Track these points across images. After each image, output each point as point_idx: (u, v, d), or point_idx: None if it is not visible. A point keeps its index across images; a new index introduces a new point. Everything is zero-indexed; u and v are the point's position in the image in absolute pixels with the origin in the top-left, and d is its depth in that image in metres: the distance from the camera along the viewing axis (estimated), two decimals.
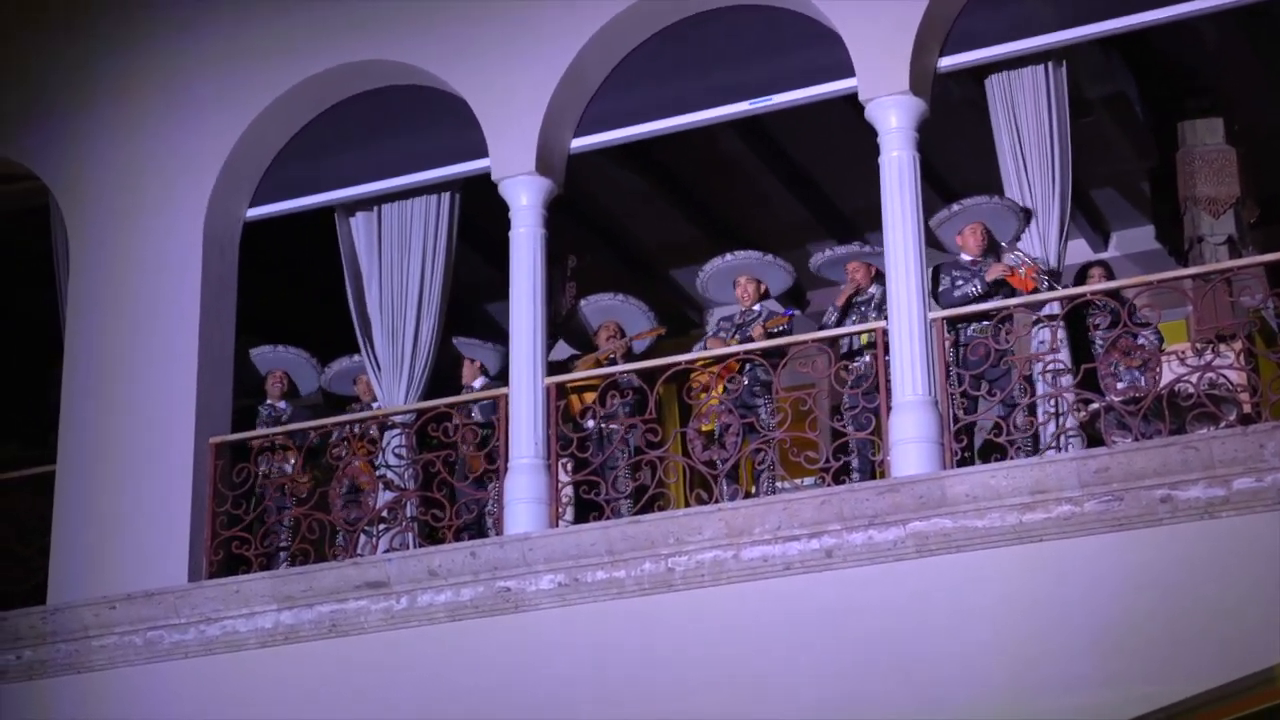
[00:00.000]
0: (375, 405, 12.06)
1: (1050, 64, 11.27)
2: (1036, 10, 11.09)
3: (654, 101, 11.78)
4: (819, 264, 11.77)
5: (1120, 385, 10.31)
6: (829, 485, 10.60)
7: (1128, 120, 13.40)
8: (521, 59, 11.75)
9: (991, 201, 11.06)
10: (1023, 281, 10.86)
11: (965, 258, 11.15)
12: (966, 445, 10.57)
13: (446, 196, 12.27)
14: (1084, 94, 12.80)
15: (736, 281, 11.73)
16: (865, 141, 11.39)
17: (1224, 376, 10.24)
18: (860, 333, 10.99)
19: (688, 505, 11.07)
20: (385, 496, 11.57)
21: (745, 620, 10.34)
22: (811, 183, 13.95)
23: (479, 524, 11.61)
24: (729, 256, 11.87)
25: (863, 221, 12.97)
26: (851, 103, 11.34)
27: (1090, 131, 13.30)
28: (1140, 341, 10.41)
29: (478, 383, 12.20)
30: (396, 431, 11.70)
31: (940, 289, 10.97)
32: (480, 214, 12.42)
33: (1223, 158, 12.68)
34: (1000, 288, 10.88)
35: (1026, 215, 11.08)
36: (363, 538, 11.41)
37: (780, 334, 11.45)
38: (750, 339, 11.44)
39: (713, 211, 14.26)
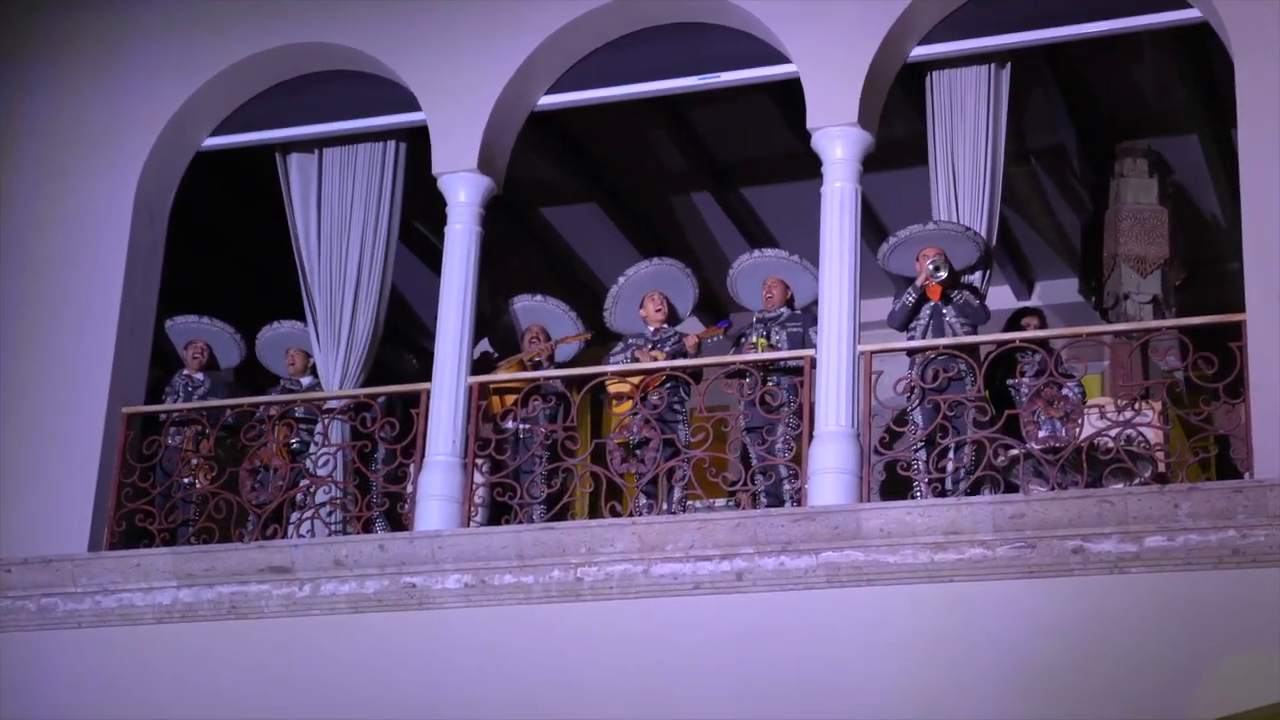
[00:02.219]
0: (305, 381, 11.92)
1: (991, 108, 11.32)
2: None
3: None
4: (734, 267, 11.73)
5: (1041, 434, 10.39)
6: (744, 508, 10.62)
7: (1063, 173, 13.54)
8: (473, 56, 11.70)
9: (957, 228, 11.05)
10: (934, 289, 10.91)
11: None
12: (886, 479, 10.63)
13: (389, 169, 12.21)
14: (1025, 144, 12.94)
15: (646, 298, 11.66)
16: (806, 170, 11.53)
17: (1141, 434, 10.34)
18: (790, 357, 10.98)
19: (595, 516, 11.05)
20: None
21: (651, 636, 10.31)
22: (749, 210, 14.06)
23: (391, 517, 11.53)
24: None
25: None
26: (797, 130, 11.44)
27: (1026, 181, 13.48)
28: (1065, 393, 10.48)
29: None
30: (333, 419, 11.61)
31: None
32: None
33: (1155, 218, 12.84)
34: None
35: (987, 248, 11.14)
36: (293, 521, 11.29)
37: (714, 345, 11.45)
38: (679, 353, 11.43)
39: (651, 225, 14.29)
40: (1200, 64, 12.23)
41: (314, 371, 12.04)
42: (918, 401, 10.70)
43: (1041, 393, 10.42)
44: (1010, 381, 10.94)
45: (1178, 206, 13.28)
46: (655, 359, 11.31)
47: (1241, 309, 10.82)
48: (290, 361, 12.26)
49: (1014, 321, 11.66)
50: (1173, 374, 11.69)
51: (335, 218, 12.23)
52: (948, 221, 11.07)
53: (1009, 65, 11.43)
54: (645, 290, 11.75)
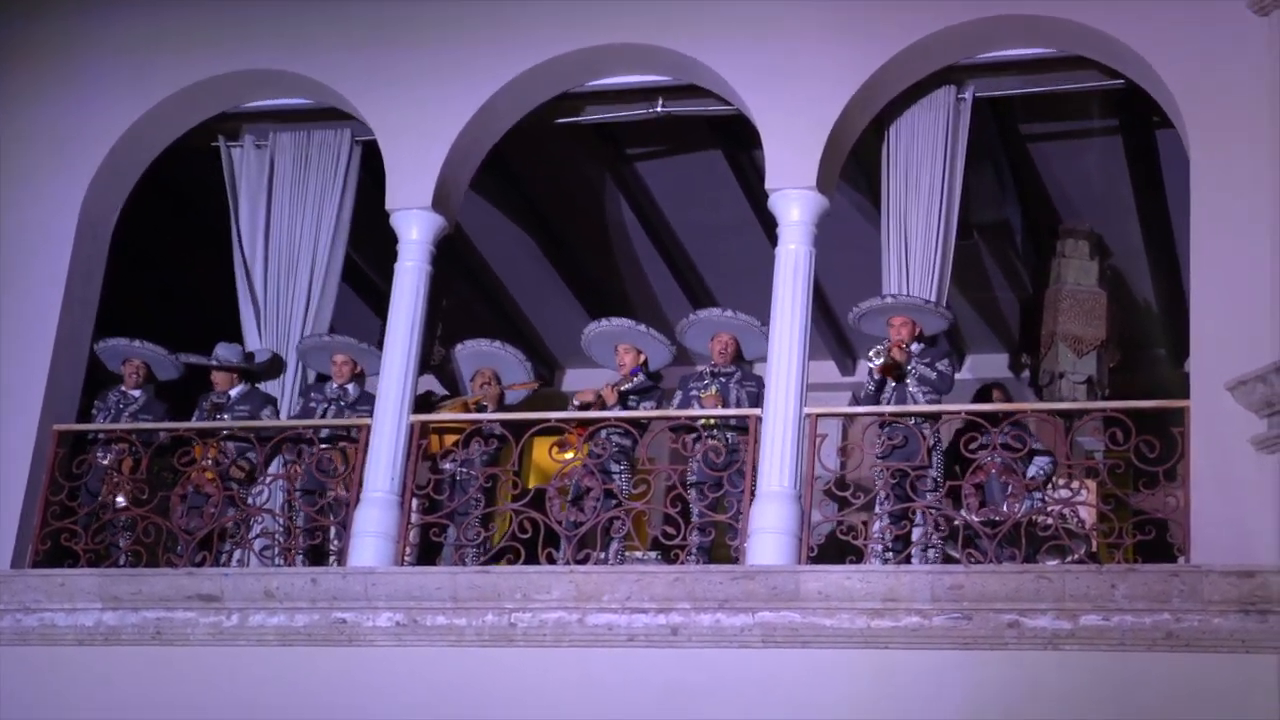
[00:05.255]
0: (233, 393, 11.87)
1: (946, 178, 11.46)
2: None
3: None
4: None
5: (1020, 506, 10.42)
6: (681, 562, 10.63)
7: (1005, 249, 13.71)
8: (434, 94, 11.68)
9: (927, 303, 11.15)
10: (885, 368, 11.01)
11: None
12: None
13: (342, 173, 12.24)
14: (970, 217, 13.09)
15: (616, 349, 11.70)
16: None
17: (1077, 513, 10.45)
18: (734, 416, 11.01)
19: (532, 562, 11.00)
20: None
21: (583, 685, 10.28)
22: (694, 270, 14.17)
23: (318, 551, 11.45)
24: (610, 322, 11.86)
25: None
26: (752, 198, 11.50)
27: (967, 254, 13.62)
28: (1033, 471, 10.58)
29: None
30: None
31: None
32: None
33: (1093, 300, 13.00)
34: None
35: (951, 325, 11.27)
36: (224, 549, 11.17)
37: (630, 391, 11.44)
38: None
39: (592, 278, 14.35)
40: (1146, 155, 12.47)
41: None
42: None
43: (1013, 466, 10.47)
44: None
45: (1114, 289, 13.47)
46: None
47: (1170, 394, 11.05)
48: (219, 380, 12.05)
49: (983, 395, 11.75)
50: (1093, 454, 11.84)
51: (286, 208, 12.18)
52: (911, 297, 11.14)
53: (966, 137, 11.57)
54: (620, 341, 11.73)
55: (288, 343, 12.04)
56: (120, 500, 11.55)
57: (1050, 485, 10.66)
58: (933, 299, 11.18)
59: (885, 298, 11.14)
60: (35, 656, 11.04)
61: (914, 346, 11.08)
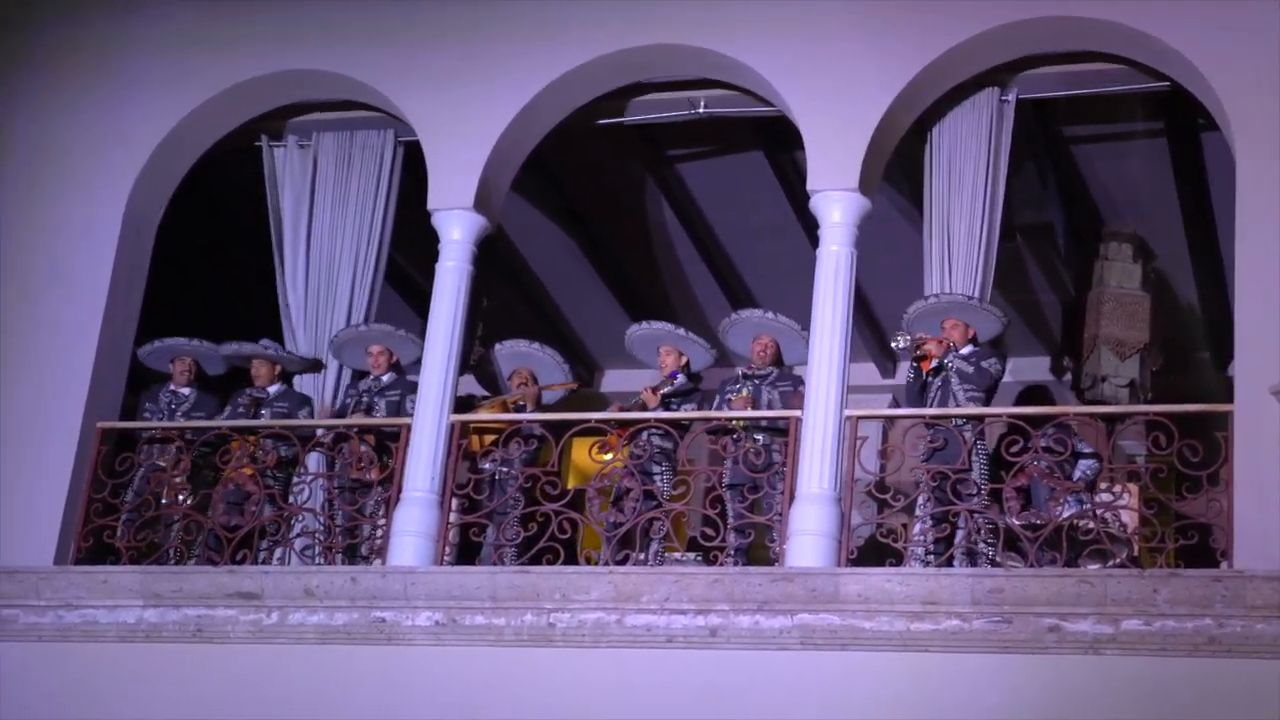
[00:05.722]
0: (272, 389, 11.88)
1: (990, 178, 11.42)
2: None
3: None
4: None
5: (1066, 512, 10.39)
6: (720, 564, 10.61)
7: (1047, 251, 13.65)
8: (476, 95, 11.69)
9: (974, 303, 11.13)
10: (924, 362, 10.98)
11: None
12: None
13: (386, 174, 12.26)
14: (1012, 219, 13.03)
15: (658, 350, 11.71)
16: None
17: (1119, 517, 10.41)
18: (779, 418, 10.99)
19: (571, 562, 11.00)
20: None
21: (621, 686, 10.27)
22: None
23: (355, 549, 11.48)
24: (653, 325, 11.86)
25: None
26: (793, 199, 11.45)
27: (1009, 256, 13.56)
28: (1078, 474, 10.54)
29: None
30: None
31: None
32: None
33: (1136, 303, 12.93)
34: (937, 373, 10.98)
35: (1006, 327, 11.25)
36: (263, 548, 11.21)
37: (670, 394, 11.44)
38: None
39: (632, 279, 14.33)
40: (1191, 158, 12.39)
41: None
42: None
43: (1059, 469, 10.44)
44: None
45: (1158, 292, 13.39)
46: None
47: (1213, 398, 11.00)
48: (260, 373, 12.08)
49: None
50: (1135, 458, 11.78)
51: (328, 209, 12.22)
52: (968, 298, 11.14)
53: (1009, 139, 11.52)
54: (662, 343, 11.74)
55: (327, 344, 12.05)
56: (181, 499, 11.58)
57: (1093, 488, 10.61)
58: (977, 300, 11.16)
59: (932, 297, 11.08)
60: (77, 653, 11.07)
61: (965, 349, 11.03)
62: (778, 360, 11.52)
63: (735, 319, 11.68)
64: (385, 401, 11.71)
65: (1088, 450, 10.83)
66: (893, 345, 11.18)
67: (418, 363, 11.60)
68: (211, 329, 12.74)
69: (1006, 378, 14.40)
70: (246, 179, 12.58)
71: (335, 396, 11.98)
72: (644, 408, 11.36)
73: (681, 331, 11.78)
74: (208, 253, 14.04)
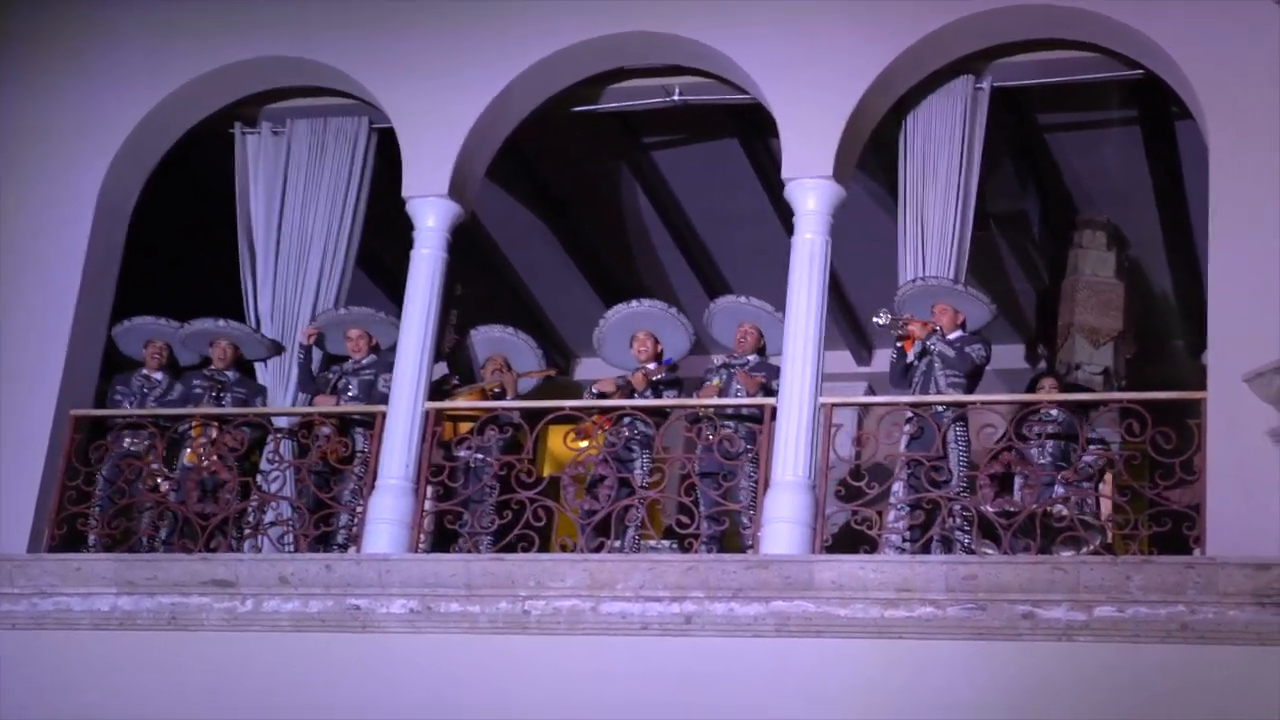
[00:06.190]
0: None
1: (964, 166, 11.44)
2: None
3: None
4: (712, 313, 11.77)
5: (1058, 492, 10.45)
6: (695, 551, 10.62)
7: (1021, 239, 13.68)
8: (451, 82, 11.66)
9: (964, 289, 11.17)
10: (907, 341, 11.00)
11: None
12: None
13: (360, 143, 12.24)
14: (986, 208, 13.05)
15: (634, 337, 11.68)
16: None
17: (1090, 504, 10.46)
18: (751, 405, 10.99)
19: (545, 550, 11.01)
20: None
21: (596, 674, 10.28)
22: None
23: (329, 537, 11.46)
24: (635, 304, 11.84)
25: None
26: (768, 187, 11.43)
27: (984, 244, 13.59)
28: (1086, 460, 10.57)
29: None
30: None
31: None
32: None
33: (1110, 291, 13.00)
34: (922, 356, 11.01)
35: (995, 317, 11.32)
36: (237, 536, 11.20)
37: (660, 382, 11.44)
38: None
39: (608, 266, 14.33)
40: (1165, 146, 12.43)
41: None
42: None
43: (1071, 457, 10.57)
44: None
45: (1132, 280, 13.44)
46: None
47: (1187, 385, 11.03)
48: (217, 354, 12.02)
49: (1032, 385, 11.71)
50: (1109, 445, 11.81)
51: (301, 195, 12.18)
52: (959, 284, 11.18)
53: (984, 127, 11.54)
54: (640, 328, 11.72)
55: (295, 329, 11.99)
56: (164, 484, 11.55)
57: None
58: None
59: (922, 280, 11.07)
60: (51, 641, 11.05)
61: (953, 335, 11.05)
62: (762, 348, 11.52)
63: (714, 308, 11.67)
64: (358, 380, 11.71)
65: (1098, 437, 10.89)
66: (874, 320, 11.18)
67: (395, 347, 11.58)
68: (192, 312, 12.72)
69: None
70: (229, 163, 12.54)
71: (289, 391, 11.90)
72: (629, 394, 11.35)
73: (672, 310, 11.71)
74: (189, 234, 13.98)
